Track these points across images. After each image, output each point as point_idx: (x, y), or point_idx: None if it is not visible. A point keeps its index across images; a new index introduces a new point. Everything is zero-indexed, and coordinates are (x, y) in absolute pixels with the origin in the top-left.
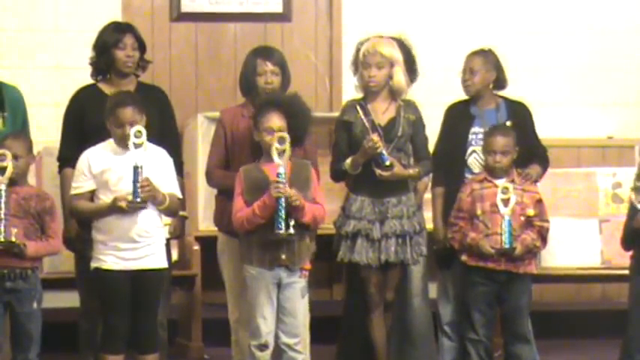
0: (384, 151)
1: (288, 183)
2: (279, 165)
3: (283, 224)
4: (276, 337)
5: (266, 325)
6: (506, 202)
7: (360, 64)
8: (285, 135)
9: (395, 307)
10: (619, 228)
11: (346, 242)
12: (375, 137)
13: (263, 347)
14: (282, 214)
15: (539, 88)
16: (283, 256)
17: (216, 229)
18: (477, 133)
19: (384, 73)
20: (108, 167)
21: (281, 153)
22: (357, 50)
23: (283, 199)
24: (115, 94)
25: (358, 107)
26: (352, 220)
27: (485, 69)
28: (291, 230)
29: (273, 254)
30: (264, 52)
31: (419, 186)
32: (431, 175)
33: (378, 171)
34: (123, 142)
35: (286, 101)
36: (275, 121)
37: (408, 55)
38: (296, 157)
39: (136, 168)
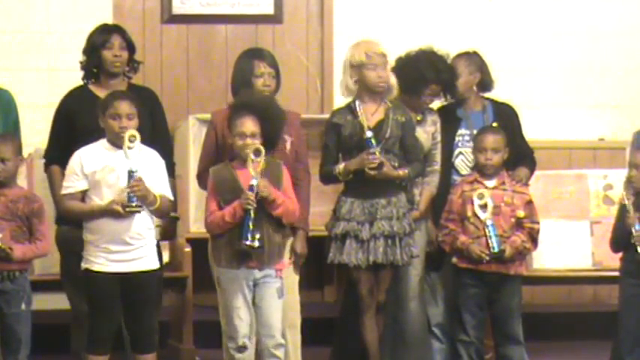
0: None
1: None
2: (252, 177)
3: (250, 236)
4: (258, 340)
5: (242, 326)
6: (483, 207)
7: (359, 66)
8: (261, 147)
9: (388, 309)
10: (610, 230)
11: (336, 244)
12: (377, 153)
13: (241, 349)
14: (250, 226)
15: (530, 90)
16: (251, 256)
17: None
18: (463, 135)
19: (389, 72)
20: (100, 167)
21: (256, 165)
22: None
23: (252, 212)
24: (109, 93)
25: (348, 110)
26: (342, 221)
27: (469, 71)
28: (257, 243)
29: (241, 256)
30: (261, 54)
31: (424, 193)
32: (436, 185)
33: (367, 169)
34: (118, 137)
35: (260, 105)
36: (248, 125)
37: (451, 77)
38: (281, 158)
39: (130, 173)
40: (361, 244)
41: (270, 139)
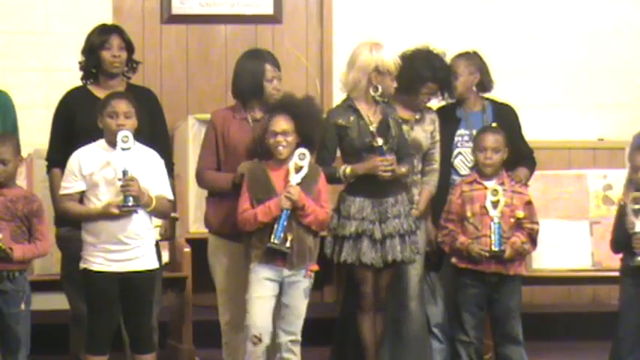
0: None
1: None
2: (293, 179)
3: (282, 237)
4: (275, 335)
5: (261, 318)
6: (495, 204)
7: (385, 73)
8: (306, 152)
9: (387, 309)
10: (610, 230)
11: (349, 243)
12: (390, 159)
13: (256, 340)
14: (283, 227)
15: (530, 90)
16: (279, 257)
17: (206, 230)
18: (462, 135)
19: None
20: (98, 168)
21: (299, 169)
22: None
23: (288, 213)
24: (107, 94)
25: (351, 111)
26: (353, 221)
27: (468, 72)
28: (287, 244)
29: (270, 255)
30: (271, 57)
31: (423, 193)
32: (435, 184)
33: (380, 173)
34: (115, 135)
35: (296, 104)
36: (280, 124)
37: (446, 76)
38: None
39: (125, 173)
40: (374, 243)
41: (307, 138)
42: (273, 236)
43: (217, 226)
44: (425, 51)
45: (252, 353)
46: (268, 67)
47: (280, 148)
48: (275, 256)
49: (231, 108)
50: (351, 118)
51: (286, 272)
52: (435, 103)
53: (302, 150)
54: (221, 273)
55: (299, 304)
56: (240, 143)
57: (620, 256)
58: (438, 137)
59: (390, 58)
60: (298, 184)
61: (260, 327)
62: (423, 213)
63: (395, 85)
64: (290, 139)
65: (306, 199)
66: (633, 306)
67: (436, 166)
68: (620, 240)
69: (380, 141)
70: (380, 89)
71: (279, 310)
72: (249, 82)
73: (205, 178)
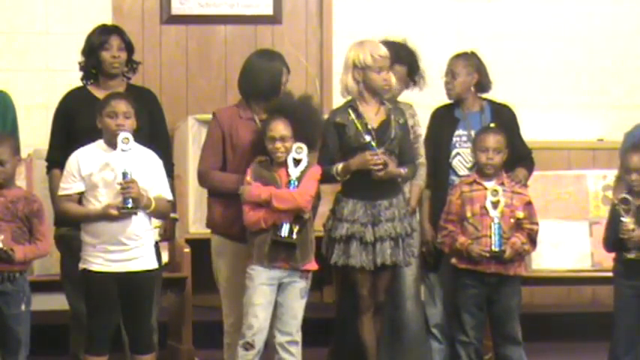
0: (378, 150)
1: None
2: (292, 174)
3: (287, 230)
4: (272, 336)
5: (256, 324)
6: (495, 204)
7: (364, 68)
8: (303, 145)
9: (387, 310)
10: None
11: (339, 245)
12: (381, 154)
13: (248, 346)
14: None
15: (530, 90)
16: (283, 255)
17: (207, 230)
18: (460, 135)
19: (391, 74)
20: (97, 169)
21: (297, 163)
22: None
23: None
24: (107, 95)
25: (350, 110)
26: (345, 223)
27: (466, 72)
28: (294, 236)
29: (272, 252)
30: (284, 60)
31: (413, 189)
32: (424, 179)
33: (374, 171)
34: (114, 135)
35: (294, 108)
36: (279, 129)
37: (412, 58)
38: None
39: (124, 174)
40: (365, 246)
41: (307, 140)
42: (278, 230)
43: (223, 227)
44: (384, 41)
45: (242, 357)
46: (285, 71)
47: (279, 154)
48: (278, 255)
49: (236, 107)
50: (350, 117)
51: (284, 273)
52: (437, 103)
53: (299, 144)
54: (226, 274)
55: (295, 304)
56: (248, 143)
57: (613, 256)
58: (419, 131)
59: (365, 50)
60: (297, 178)
61: (254, 334)
62: (414, 208)
63: (387, 77)
64: (288, 144)
65: (262, 190)
66: (627, 307)
67: (422, 160)
68: (614, 239)
69: (367, 137)
70: (355, 82)
71: (276, 309)
72: (267, 84)
73: (211, 179)
